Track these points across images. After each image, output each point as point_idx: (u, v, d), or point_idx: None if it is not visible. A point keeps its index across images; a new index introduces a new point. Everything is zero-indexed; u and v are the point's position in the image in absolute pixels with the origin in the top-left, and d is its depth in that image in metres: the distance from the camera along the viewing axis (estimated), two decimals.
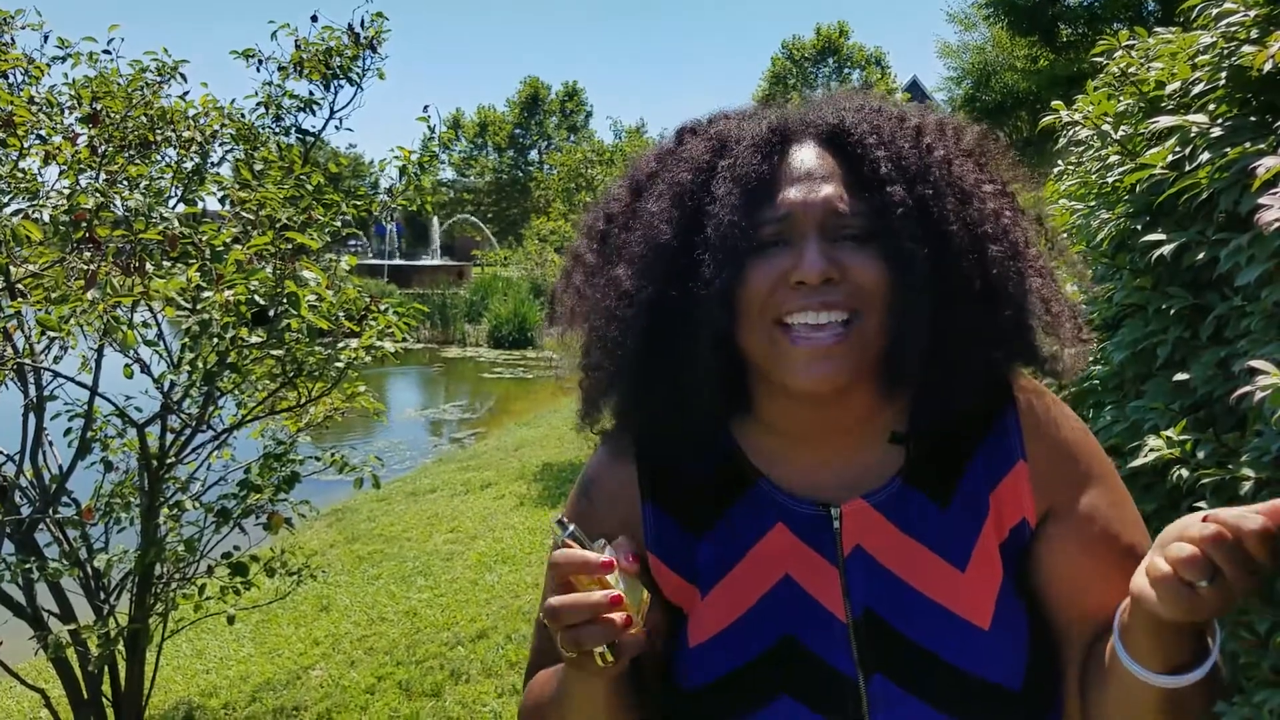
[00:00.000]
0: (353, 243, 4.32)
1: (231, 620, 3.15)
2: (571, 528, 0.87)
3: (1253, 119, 1.57)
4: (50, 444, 3.06)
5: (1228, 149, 1.50)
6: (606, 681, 0.90)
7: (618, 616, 0.82)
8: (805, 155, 0.98)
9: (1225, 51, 1.63)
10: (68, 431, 3.06)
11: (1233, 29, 1.62)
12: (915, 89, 41.08)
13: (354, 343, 2.83)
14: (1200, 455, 1.52)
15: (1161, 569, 0.77)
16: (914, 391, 0.99)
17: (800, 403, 0.99)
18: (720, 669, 0.99)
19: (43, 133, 2.76)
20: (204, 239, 2.59)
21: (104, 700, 3.09)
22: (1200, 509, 1.44)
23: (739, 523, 1.02)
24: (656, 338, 0.99)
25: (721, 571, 1.01)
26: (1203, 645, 0.84)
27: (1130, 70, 1.94)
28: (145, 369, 2.84)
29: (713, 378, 0.97)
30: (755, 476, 1.03)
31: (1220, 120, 1.60)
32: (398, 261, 28.72)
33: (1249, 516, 0.74)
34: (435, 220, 34.05)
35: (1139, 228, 1.84)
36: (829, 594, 0.97)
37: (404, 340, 2.99)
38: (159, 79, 3.18)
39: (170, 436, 3.03)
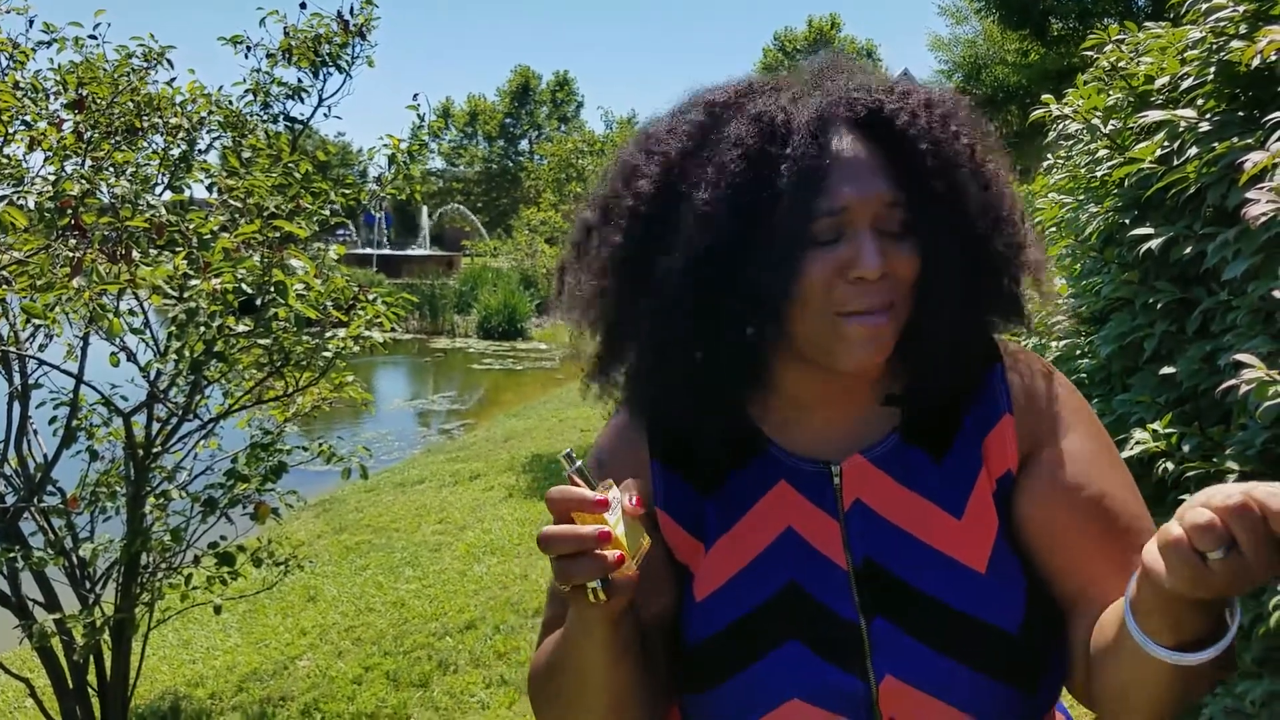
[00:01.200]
0: (341, 232, 4.31)
1: (218, 610, 3.14)
2: (579, 463, 0.88)
3: (1240, 114, 1.57)
4: (35, 432, 3.04)
5: (1216, 144, 1.50)
6: (606, 625, 0.91)
7: (609, 553, 0.83)
8: (852, 144, 0.97)
9: (1214, 46, 1.64)
10: (53, 420, 3.03)
11: (1221, 24, 1.63)
12: None
13: (342, 332, 2.81)
14: (1186, 448, 1.53)
15: (1173, 533, 0.74)
16: (912, 356, 1.02)
17: (817, 371, 1.01)
18: (726, 618, 1.02)
19: (28, 118, 2.74)
20: (191, 227, 2.58)
21: (89, 690, 3.08)
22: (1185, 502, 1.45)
23: (745, 482, 1.05)
24: (704, 328, 0.98)
25: (726, 526, 1.05)
26: (1219, 621, 0.80)
27: (1120, 64, 1.94)
28: (131, 357, 2.82)
29: (752, 363, 1.01)
30: (765, 444, 1.06)
31: (1209, 115, 1.60)
32: (386, 251, 28.57)
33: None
34: (424, 210, 33.89)
35: (1127, 222, 1.84)
36: (830, 544, 1.00)
37: (392, 330, 2.98)
38: (145, 65, 3.16)
39: (156, 426, 3.01)
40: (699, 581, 1.05)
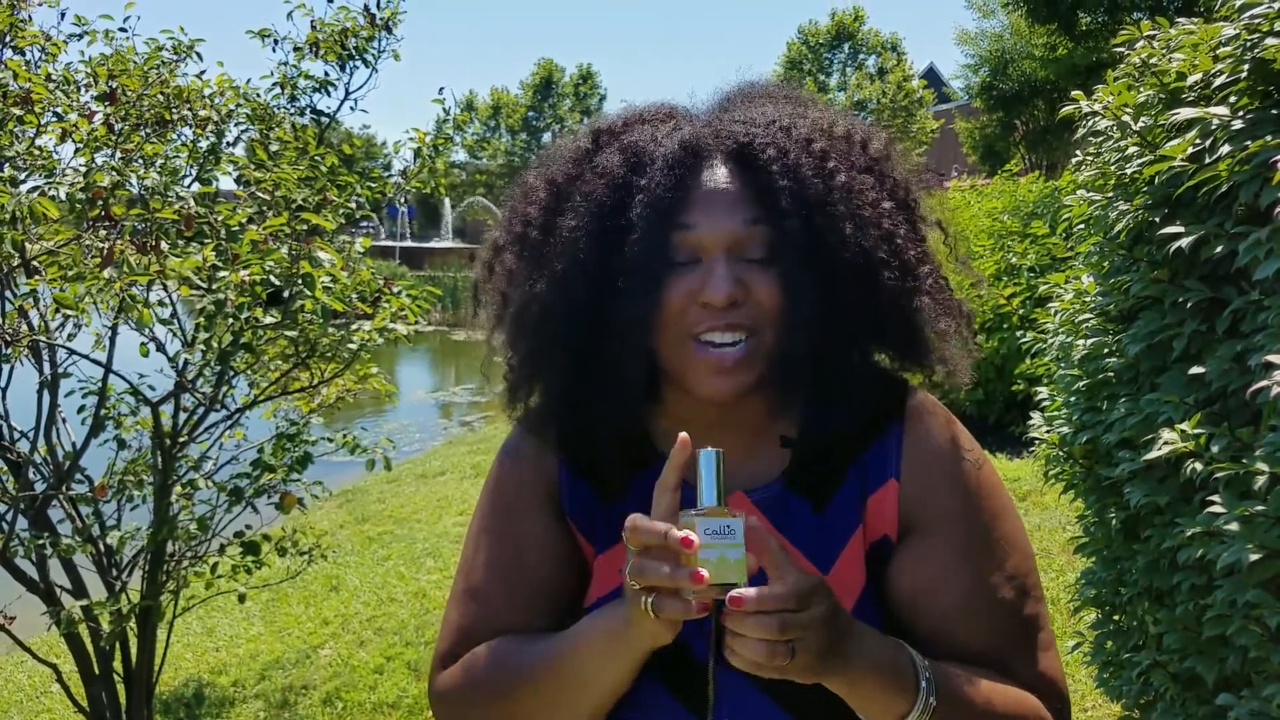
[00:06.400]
0: (365, 224, 4.34)
1: (242, 599, 3.17)
2: (716, 467, 0.88)
3: (1275, 112, 1.55)
4: (64, 421, 3.08)
5: (1249, 142, 1.49)
6: (645, 651, 0.93)
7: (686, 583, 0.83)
8: (715, 176, 1.02)
9: (1248, 44, 1.62)
10: (81, 409, 3.07)
11: (1256, 20, 1.61)
12: (932, 76, 40.74)
13: (367, 325, 2.83)
14: (1215, 449, 1.52)
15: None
16: (806, 399, 1.06)
17: (703, 402, 1.04)
18: None
19: (59, 110, 2.76)
20: (219, 219, 2.60)
21: (115, 676, 3.11)
22: (1214, 503, 1.44)
23: (638, 500, 1.06)
24: (577, 349, 1.04)
25: (613, 540, 1.07)
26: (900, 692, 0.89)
27: (1151, 61, 1.92)
28: (160, 347, 2.85)
29: (635, 385, 1.03)
30: (654, 460, 1.08)
31: (1242, 113, 1.58)
32: (409, 244, 28.70)
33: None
34: (447, 202, 34.01)
35: (1157, 220, 1.82)
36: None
37: (416, 323, 3.00)
38: (175, 57, 3.18)
39: (183, 415, 3.04)
40: (593, 585, 1.09)
